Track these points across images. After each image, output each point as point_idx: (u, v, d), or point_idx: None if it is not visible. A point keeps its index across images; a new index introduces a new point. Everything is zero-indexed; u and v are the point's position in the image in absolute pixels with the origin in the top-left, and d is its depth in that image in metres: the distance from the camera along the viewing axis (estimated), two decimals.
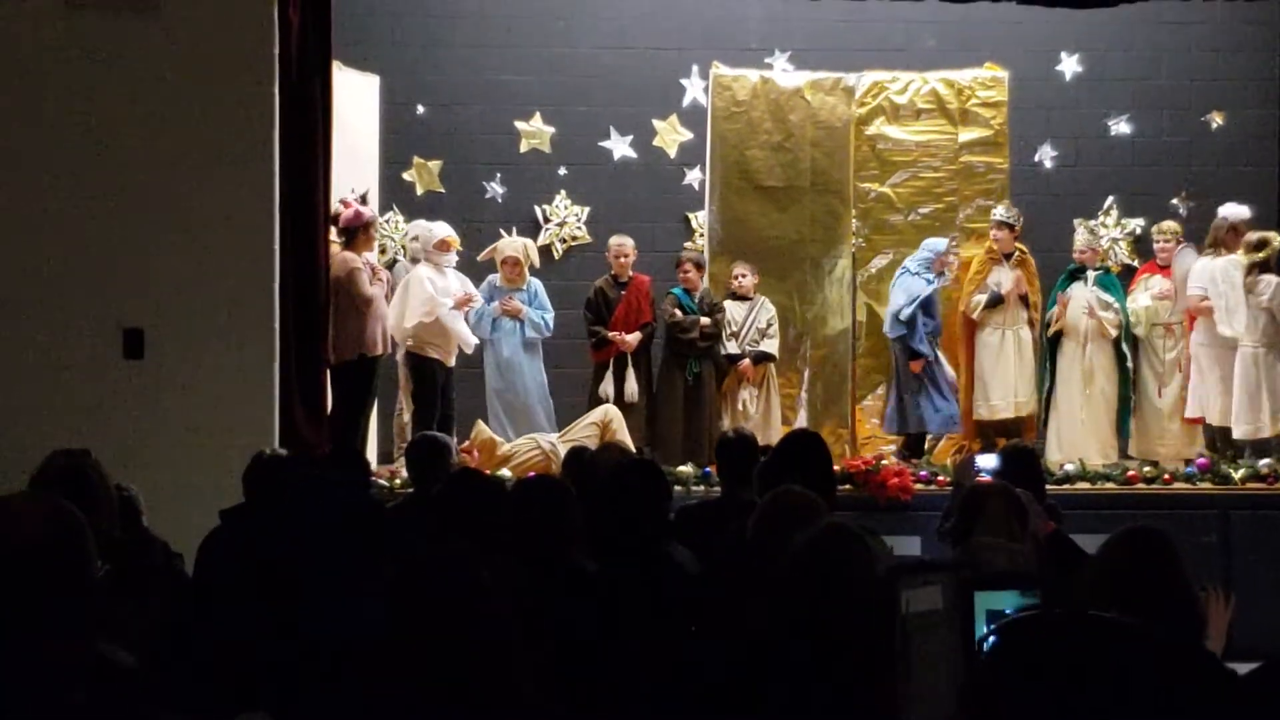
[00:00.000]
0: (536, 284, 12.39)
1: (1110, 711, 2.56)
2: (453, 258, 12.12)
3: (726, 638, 4.31)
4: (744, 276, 12.34)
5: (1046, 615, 2.86)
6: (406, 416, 12.10)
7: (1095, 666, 2.60)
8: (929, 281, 12.14)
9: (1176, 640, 3.46)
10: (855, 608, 3.37)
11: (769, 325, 12.31)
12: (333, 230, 11.30)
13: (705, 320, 12.09)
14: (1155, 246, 12.59)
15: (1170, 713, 2.75)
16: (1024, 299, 12.29)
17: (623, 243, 12.47)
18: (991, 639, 2.73)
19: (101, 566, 3.38)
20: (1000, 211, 12.42)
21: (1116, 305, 12.13)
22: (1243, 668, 3.50)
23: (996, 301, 12.25)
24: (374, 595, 3.81)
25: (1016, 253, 12.39)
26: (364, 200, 11.85)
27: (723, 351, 12.23)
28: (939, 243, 12.29)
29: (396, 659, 3.00)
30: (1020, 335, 12.30)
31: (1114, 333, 12.10)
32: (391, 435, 12.53)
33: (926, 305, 12.10)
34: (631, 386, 12.02)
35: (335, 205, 11.39)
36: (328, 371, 10.98)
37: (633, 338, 12.11)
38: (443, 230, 12.16)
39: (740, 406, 12.14)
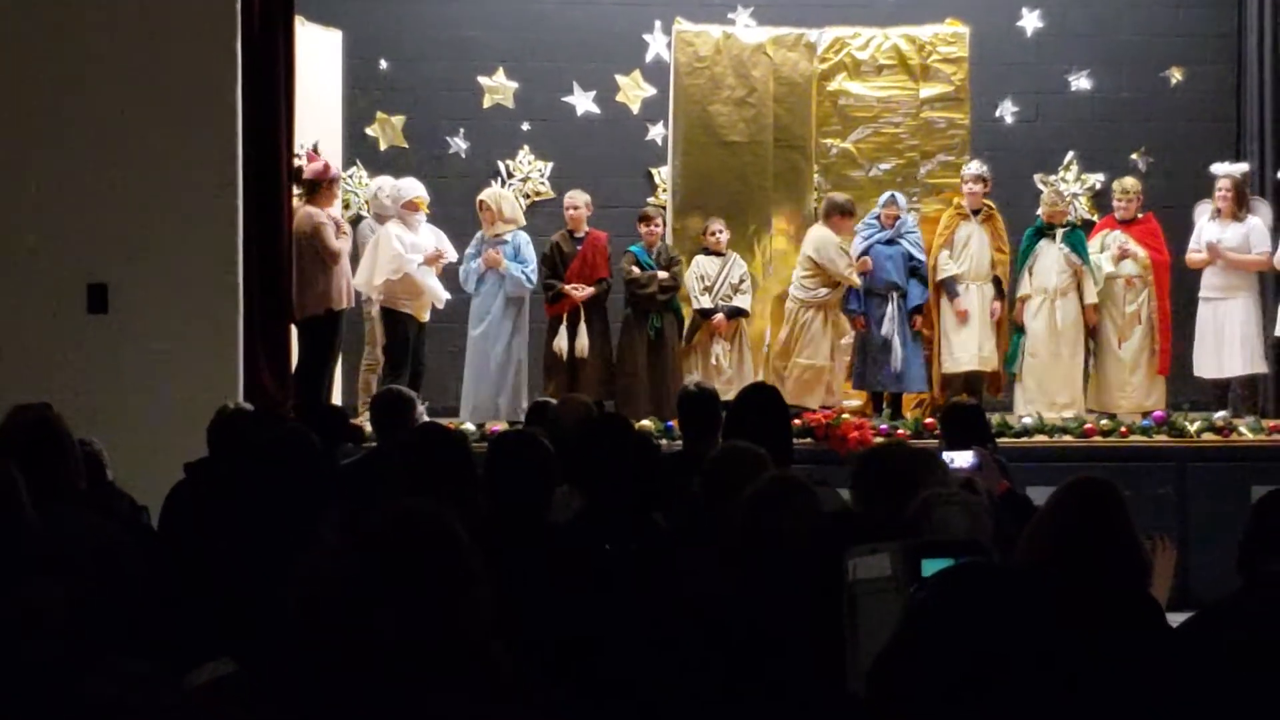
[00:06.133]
0: (522, 238, 12.32)
1: (1037, 661, 2.63)
2: (421, 217, 12.14)
3: (688, 595, 4.37)
4: (720, 232, 12.38)
5: (972, 568, 2.91)
6: (380, 371, 12.12)
7: (1022, 617, 2.66)
8: (864, 238, 12.26)
9: (1119, 589, 3.54)
10: (800, 556, 3.44)
11: (742, 280, 12.36)
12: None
13: (663, 274, 12.15)
14: (1114, 203, 12.67)
15: (1104, 660, 2.82)
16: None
17: (573, 197, 12.50)
18: (921, 594, 2.78)
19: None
20: (975, 166, 12.47)
21: (1085, 267, 12.20)
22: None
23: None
24: (329, 545, 3.87)
25: (985, 209, 12.46)
26: (316, 151, 11.83)
27: (695, 306, 12.29)
28: (883, 196, 12.39)
29: (362, 613, 3.01)
30: (985, 290, 12.37)
31: (1094, 298, 12.20)
32: (354, 389, 12.56)
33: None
34: (582, 341, 12.05)
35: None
36: (292, 326, 11.02)
37: (586, 290, 12.14)
38: (411, 190, 12.16)
39: (713, 361, 12.20)
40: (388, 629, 2.93)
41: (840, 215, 12.20)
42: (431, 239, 12.13)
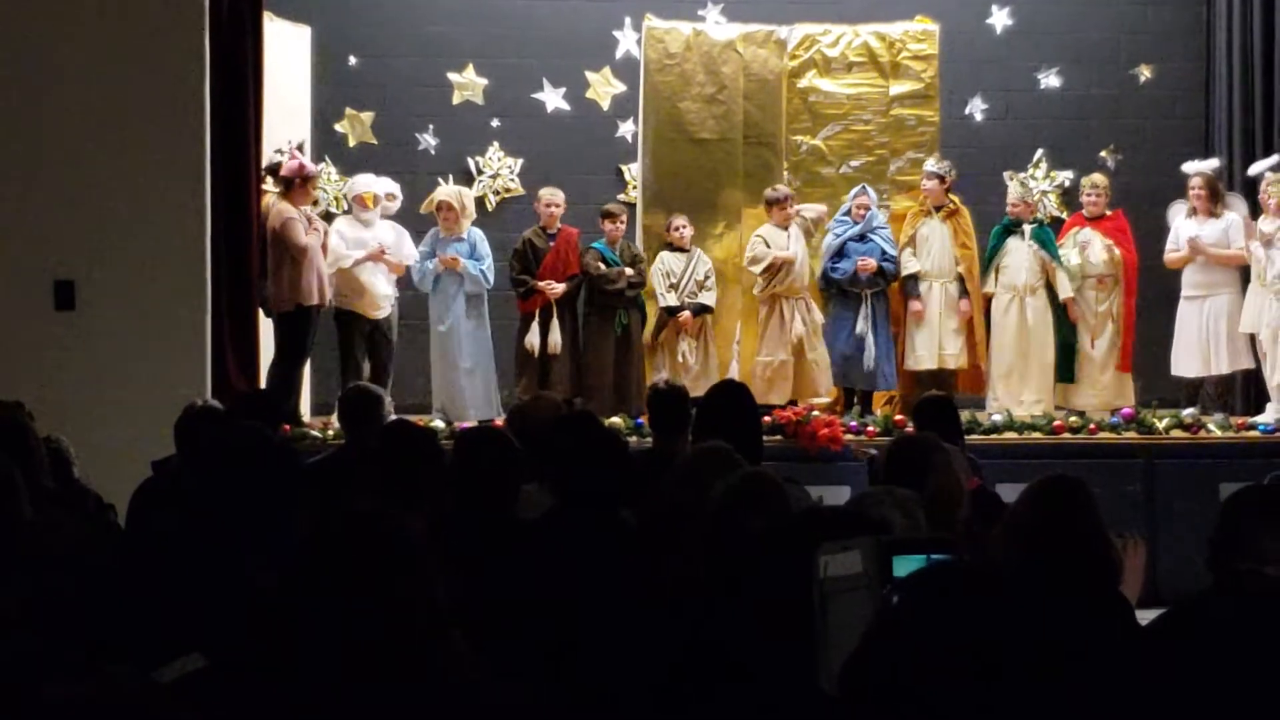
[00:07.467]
0: (477, 234, 12.25)
1: (1009, 660, 2.62)
2: (373, 214, 12.02)
3: (658, 592, 4.36)
4: (683, 228, 12.36)
5: (943, 567, 2.90)
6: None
7: (993, 615, 2.66)
8: (836, 235, 12.27)
9: (1089, 587, 3.55)
10: (771, 553, 3.43)
11: (707, 277, 12.34)
12: (269, 178, 11.31)
13: (630, 270, 12.14)
14: (1083, 199, 12.69)
15: (1075, 659, 2.82)
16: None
17: (552, 194, 12.45)
18: (894, 597, 2.77)
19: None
20: (931, 163, 12.48)
21: (1053, 264, 12.22)
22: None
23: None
24: (290, 543, 3.85)
25: (948, 205, 12.46)
26: (301, 149, 11.79)
27: (661, 303, 12.26)
28: (853, 190, 12.42)
29: (317, 615, 3.00)
30: (949, 289, 12.38)
31: (1071, 291, 12.20)
32: (326, 386, 12.50)
33: (837, 256, 12.23)
34: (555, 337, 12.02)
35: (273, 155, 11.39)
36: (259, 322, 10.99)
37: (560, 286, 12.12)
38: (361, 185, 12.09)
39: (680, 358, 12.17)
40: (340, 629, 2.92)
41: (773, 206, 12.22)
42: (390, 236, 12.03)
